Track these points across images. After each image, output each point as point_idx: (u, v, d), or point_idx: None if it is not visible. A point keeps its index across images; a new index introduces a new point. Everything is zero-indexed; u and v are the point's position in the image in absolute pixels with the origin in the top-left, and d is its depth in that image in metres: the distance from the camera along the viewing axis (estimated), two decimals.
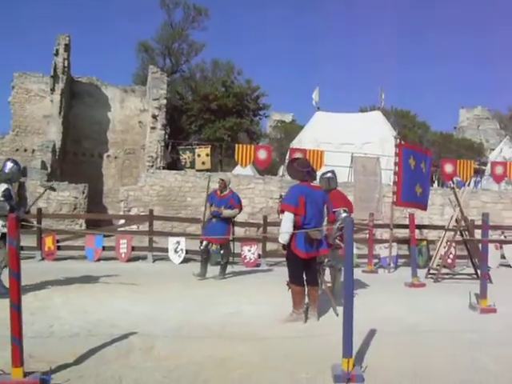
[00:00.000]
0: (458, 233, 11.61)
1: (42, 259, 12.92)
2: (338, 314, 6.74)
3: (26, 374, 4.24)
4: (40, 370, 4.39)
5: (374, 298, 8.63)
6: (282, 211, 6.86)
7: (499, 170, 23.53)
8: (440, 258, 11.78)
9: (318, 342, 5.72)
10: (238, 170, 26.18)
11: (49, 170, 23.67)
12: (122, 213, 20.23)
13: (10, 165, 8.49)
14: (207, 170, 21.55)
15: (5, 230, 8.24)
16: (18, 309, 4.18)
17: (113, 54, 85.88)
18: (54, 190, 10.79)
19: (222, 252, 11.01)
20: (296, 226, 6.65)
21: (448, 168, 23.13)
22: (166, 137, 26.02)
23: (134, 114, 29.32)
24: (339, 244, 7.89)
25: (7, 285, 7.49)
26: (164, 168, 24.05)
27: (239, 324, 6.52)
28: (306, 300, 6.96)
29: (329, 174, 9.13)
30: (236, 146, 22.48)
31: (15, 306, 4.16)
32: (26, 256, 12.87)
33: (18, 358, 4.18)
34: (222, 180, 11.05)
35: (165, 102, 24.41)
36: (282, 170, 25.06)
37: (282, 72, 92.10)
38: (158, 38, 36.23)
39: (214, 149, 22.91)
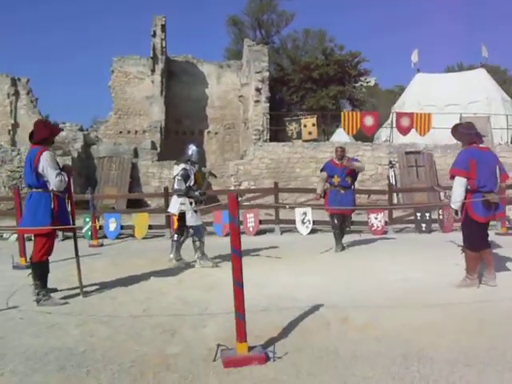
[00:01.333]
0: None
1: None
2: None
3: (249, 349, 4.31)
4: (250, 344, 4.40)
5: None
6: (453, 177, 6.67)
7: None
8: None
9: (503, 307, 5.65)
10: (334, 137, 25.87)
11: (158, 149, 24.29)
12: (232, 187, 20.50)
13: (192, 147, 9.11)
14: (314, 140, 21.44)
15: (184, 208, 8.56)
16: (241, 286, 4.26)
17: (203, 31, 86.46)
18: (215, 176, 11.01)
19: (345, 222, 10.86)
20: (472, 190, 6.48)
21: None
22: None
23: (231, 88, 29.52)
24: None
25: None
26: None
27: (416, 291, 6.46)
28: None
29: None
30: (342, 113, 22.20)
31: (239, 283, 4.25)
32: (156, 234, 13.34)
33: (242, 333, 4.24)
34: (342, 148, 10.76)
35: (267, 74, 24.26)
36: (385, 135, 24.50)
37: (363, 35, 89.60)
38: (247, 11, 36.23)
39: (318, 118, 22.64)
